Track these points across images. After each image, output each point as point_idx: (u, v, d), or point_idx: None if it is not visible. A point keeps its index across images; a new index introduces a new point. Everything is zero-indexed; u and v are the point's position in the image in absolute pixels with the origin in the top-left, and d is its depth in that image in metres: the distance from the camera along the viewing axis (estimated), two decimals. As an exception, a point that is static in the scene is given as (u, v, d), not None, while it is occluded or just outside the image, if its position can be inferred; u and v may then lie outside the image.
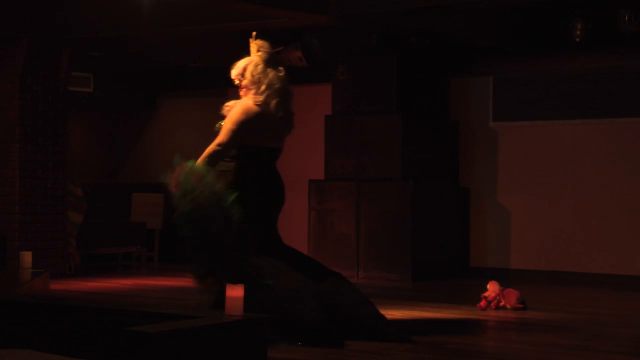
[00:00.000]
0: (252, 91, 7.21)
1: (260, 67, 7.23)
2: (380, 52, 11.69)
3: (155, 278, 11.71)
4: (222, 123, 7.24)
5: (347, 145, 11.92)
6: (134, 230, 13.15)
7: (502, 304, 9.00)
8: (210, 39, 11.99)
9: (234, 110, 7.15)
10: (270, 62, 7.27)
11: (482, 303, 9.02)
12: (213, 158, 7.07)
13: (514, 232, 12.01)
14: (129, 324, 4.73)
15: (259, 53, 7.30)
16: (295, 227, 13.46)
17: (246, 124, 7.10)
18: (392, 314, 8.62)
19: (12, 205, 11.13)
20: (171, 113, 15.03)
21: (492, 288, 9.09)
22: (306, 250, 12.20)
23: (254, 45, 7.34)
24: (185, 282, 11.30)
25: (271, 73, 7.22)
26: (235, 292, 4.97)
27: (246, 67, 7.25)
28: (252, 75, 7.20)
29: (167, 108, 15.06)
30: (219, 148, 7.11)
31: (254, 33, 7.38)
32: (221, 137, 7.13)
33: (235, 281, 5.22)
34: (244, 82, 7.24)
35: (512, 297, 9.02)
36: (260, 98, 7.16)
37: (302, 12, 9.47)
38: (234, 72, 7.29)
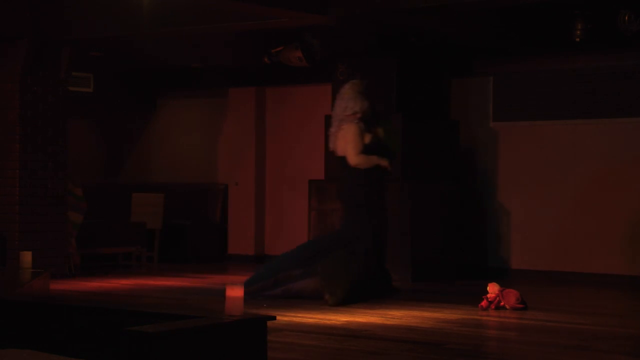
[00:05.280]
0: None
1: None
2: (380, 52, 11.68)
3: (155, 278, 11.71)
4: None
5: (347, 145, 11.89)
6: (134, 230, 13.15)
7: (502, 304, 9.00)
8: (210, 39, 12.00)
9: None
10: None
11: (484, 303, 9.02)
12: None
13: (514, 232, 12.01)
14: (129, 324, 4.73)
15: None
16: (295, 227, 13.47)
17: None
18: (392, 314, 8.63)
19: (12, 205, 11.13)
20: (171, 113, 15.04)
21: (492, 289, 9.09)
22: (306, 250, 12.21)
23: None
24: (185, 282, 11.31)
25: None
26: (235, 292, 4.96)
27: None
28: None
29: (167, 108, 15.07)
30: None
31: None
32: None
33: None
34: None
35: (511, 297, 9.02)
36: None
37: (302, 12, 9.48)
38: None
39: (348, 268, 9.45)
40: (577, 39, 10.79)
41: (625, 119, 11.41)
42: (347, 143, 9.59)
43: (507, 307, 8.98)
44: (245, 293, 9.65)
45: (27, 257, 8.26)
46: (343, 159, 9.71)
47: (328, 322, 8.14)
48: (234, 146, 14.20)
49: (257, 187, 13.98)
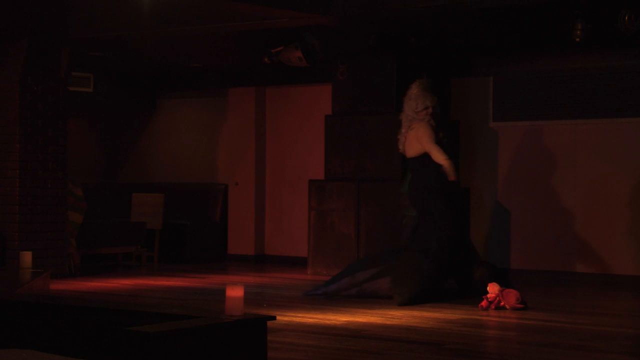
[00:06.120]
0: None
1: None
2: (380, 52, 11.68)
3: (155, 278, 11.72)
4: None
5: (347, 145, 11.92)
6: (134, 230, 13.15)
7: (502, 304, 9.00)
8: (210, 39, 12.00)
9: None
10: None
11: (484, 303, 9.02)
12: None
13: (514, 232, 12.01)
14: (129, 324, 4.73)
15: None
16: (295, 227, 13.47)
17: None
18: (392, 313, 8.63)
19: (12, 205, 11.13)
20: (171, 113, 15.04)
21: (492, 290, 9.09)
22: (306, 250, 12.22)
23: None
24: (185, 282, 11.31)
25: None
26: (235, 292, 4.97)
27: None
28: None
29: (167, 108, 15.07)
30: None
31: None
32: None
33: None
34: None
35: (511, 297, 9.02)
36: None
37: (302, 12, 9.48)
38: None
39: (418, 268, 9.43)
40: (577, 39, 10.79)
41: (625, 119, 11.41)
42: (422, 137, 9.60)
43: (507, 307, 8.98)
44: (324, 293, 9.92)
45: (27, 257, 8.27)
46: (413, 160, 9.72)
47: (328, 322, 8.14)
48: (234, 146, 14.20)
49: (257, 187, 13.98)
